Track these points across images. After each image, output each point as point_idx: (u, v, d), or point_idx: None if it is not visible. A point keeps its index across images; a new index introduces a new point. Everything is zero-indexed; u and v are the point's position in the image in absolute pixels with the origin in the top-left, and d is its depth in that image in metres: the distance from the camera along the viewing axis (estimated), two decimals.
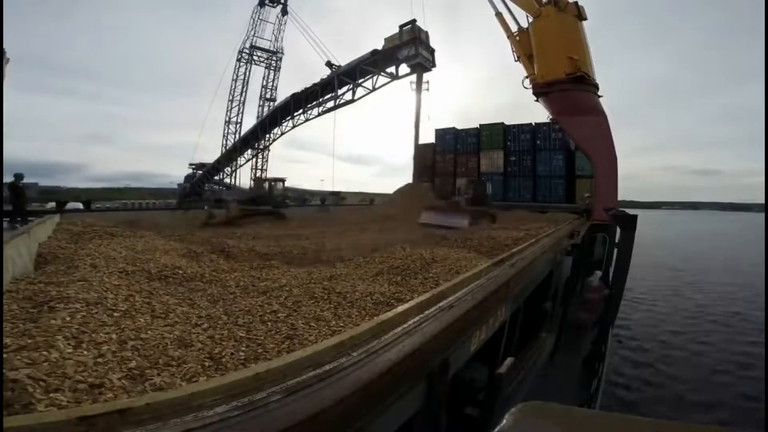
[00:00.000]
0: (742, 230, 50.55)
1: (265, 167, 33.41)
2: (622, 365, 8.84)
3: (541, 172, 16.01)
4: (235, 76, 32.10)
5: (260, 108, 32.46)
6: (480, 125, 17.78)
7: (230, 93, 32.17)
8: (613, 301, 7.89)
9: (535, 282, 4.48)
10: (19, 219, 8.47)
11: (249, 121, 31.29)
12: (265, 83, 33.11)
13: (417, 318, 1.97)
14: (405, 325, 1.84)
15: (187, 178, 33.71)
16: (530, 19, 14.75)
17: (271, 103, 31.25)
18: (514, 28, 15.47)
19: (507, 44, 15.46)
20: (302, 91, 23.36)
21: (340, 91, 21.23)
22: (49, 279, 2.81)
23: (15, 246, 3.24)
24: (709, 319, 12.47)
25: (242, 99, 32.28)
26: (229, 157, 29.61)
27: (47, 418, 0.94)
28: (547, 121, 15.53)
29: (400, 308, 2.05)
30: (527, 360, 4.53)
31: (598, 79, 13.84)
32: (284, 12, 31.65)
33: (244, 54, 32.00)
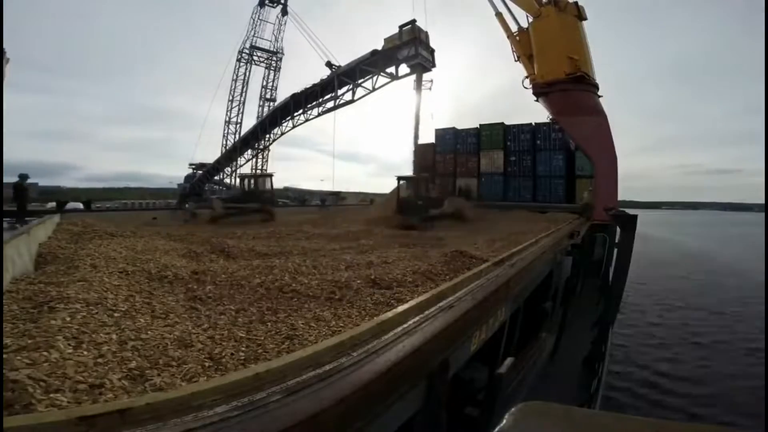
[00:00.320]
0: None
1: (265, 167, 33.44)
2: None
3: (541, 172, 16.01)
4: (235, 76, 32.12)
5: (260, 108, 32.52)
6: (480, 125, 17.79)
7: (230, 93, 32.20)
8: (612, 301, 7.89)
9: (535, 282, 4.48)
10: (21, 218, 8.50)
11: (249, 122, 31.38)
12: (265, 83, 33.17)
13: (417, 318, 1.97)
14: (405, 325, 1.84)
15: (187, 178, 33.71)
16: (530, 19, 14.77)
17: (271, 104, 31.29)
18: (514, 28, 15.49)
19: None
20: (302, 92, 23.36)
21: (340, 92, 21.23)
22: (49, 279, 2.82)
23: (15, 246, 3.24)
24: None
25: (242, 99, 32.32)
26: (229, 157, 29.59)
27: (47, 418, 0.94)
28: (547, 121, 15.55)
29: (400, 308, 2.05)
30: (527, 360, 4.53)
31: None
32: (284, 12, 31.69)
33: (244, 54, 32.03)
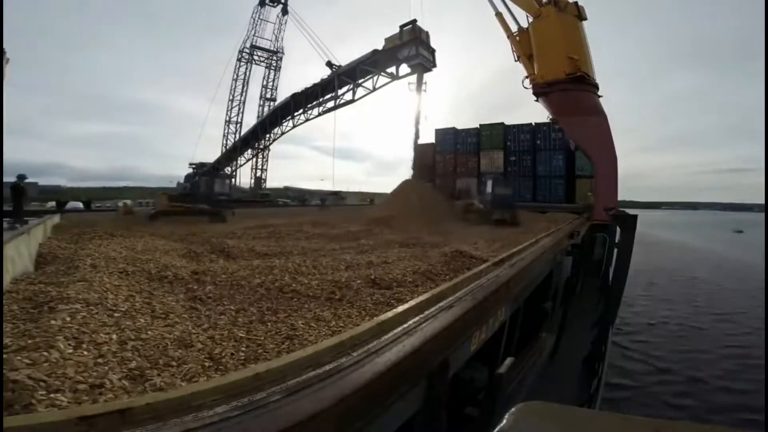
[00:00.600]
0: None
1: (265, 167, 33.48)
2: None
3: (541, 172, 16.03)
4: (235, 76, 32.17)
5: (260, 108, 32.55)
6: (480, 125, 17.80)
7: (230, 93, 32.24)
8: (613, 301, 7.89)
9: (535, 282, 4.48)
10: (16, 220, 8.49)
11: (249, 122, 31.39)
12: (265, 83, 33.22)
13: (417, 318, 1.96)
14: (405, 325, 1.83)
15: (187, 177, 33.79)
16: (530, 19, 14.76)
17: (272, 103, 31.32)
18: (514, 28, 15.48)
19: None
20: (302, 91, 23.39)
21: (340, 91, 21.25)
22: (49, 279, 2.82)
23: (15, 246, 3.24)
24: None
25: (242, 99, 32.36)
26: (229, 156, 29.63)
27: (47, 418, 0.94)
28: (547, 121, 15.55)
29: (400, 308, 2.05)
30: (527, 360, 4.53)
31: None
32: (284, 12, 31.72)
33: (244, 54, 32.05)
